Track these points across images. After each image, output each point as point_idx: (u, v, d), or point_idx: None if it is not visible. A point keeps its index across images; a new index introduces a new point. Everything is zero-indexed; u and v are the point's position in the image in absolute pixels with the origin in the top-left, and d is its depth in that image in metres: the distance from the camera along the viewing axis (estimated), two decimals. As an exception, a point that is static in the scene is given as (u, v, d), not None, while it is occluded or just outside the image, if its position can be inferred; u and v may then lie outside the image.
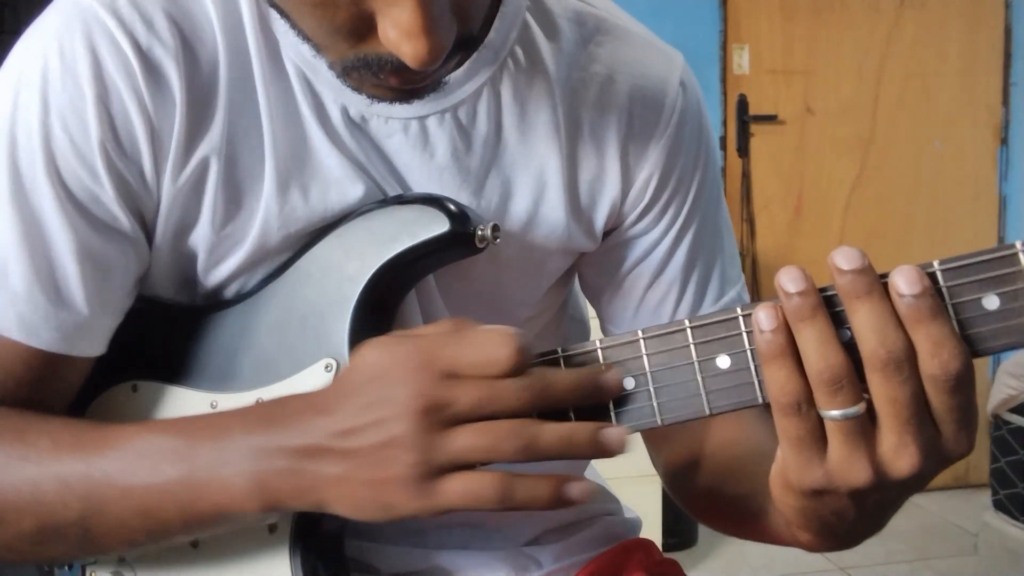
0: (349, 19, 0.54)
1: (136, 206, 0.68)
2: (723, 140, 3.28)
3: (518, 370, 0.55)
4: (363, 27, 0.54)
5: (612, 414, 0.58)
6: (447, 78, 0.62)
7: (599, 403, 0.57)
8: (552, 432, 0.54)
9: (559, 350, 0.59)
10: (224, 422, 0.61)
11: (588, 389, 0.56)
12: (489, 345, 0.55)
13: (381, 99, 0.62)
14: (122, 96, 0.65)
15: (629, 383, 0.57)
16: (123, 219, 0.67)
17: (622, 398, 0.57)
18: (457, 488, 0.54)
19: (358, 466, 0.56)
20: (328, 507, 0.58)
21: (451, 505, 0.55)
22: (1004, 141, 3.47)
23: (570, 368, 0.58)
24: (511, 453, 0.54)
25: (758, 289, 3.29)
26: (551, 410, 0.56)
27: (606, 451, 0.55)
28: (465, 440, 0.54)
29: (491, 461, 0.54)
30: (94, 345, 0.69)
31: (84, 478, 0.62)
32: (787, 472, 0.53)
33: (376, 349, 0.57)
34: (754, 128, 3.31)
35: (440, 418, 0.54)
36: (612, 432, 0.55)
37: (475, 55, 0.70)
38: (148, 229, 0.70)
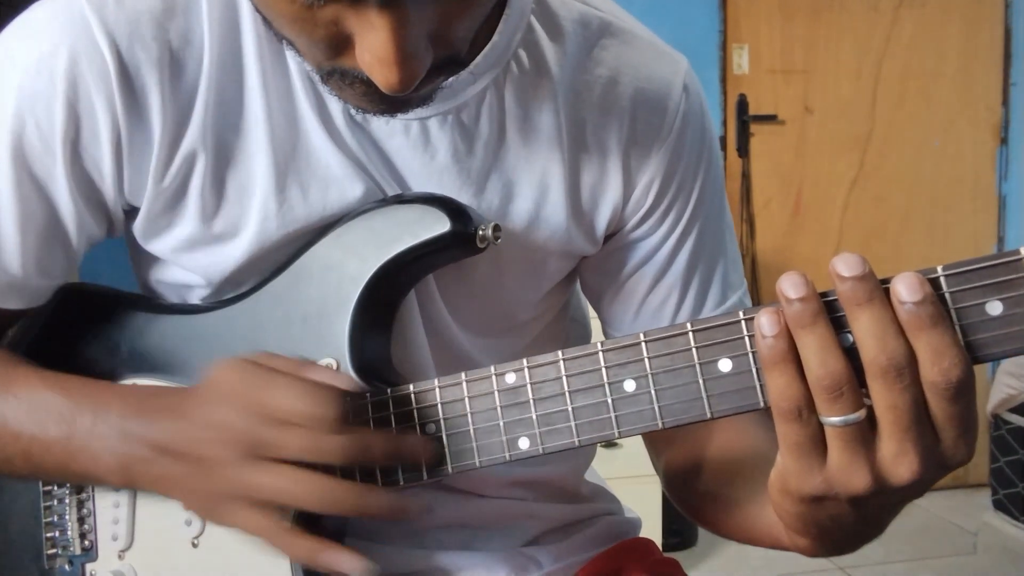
0: (328, 36, 0.55)
1: (95, 197, 0.71)
2: (723, 140, 3.28)
3: (338, 428, 0.59)
4: (341, 44, 0.55)
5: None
6: (434, 95, 0.62)
7: (412, 465, 0.63)
8: (346, 491, 0.60)
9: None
10: (106, 398, 0.68)
11: (402, 455, 0.62)
12: (320, 400, 0.59)
13: (364, 109, 0.62)
14: (91, 98, 0.66)
15: (631, 385, 0.57)
16: (72, 205, 0.70)
17: (624, 400, 0.57)
18: (239, 517, 0.62)
19: (190, 472, 0.63)
20: (173, 497, 0.65)
21: (236, 528, 0.62)
22: (1004, 141, 3.47)
23: (386, 433, 0.63)
24: (311, 504, 0.60)
25: (757, 288, 3.29)
26: (367, 468, 0.63)
27: (396, 516, 0.62)
28: (272, 481, 0.60)
29: (291, 506, 0.61)
30: (24, 300, 0.74)
31: None
32: (787, 477, 0.53)
33: (233, 371, 0.62)
34: (754, 128, 3.31)
35: (252, 453, 0.60)
36: (405, 501, 0.62)
37: (479, 58, 0.70)
38: (109, 216, 0.73)
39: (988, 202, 3.50)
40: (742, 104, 3.26)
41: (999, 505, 2.68)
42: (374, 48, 0.52)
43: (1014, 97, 3.46)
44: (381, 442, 0.61)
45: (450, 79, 0.68)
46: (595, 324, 0.90)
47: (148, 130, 0.68)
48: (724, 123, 3.27)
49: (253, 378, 0.61)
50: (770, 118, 3.32)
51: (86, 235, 0.73)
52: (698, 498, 0.77)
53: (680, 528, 2.82)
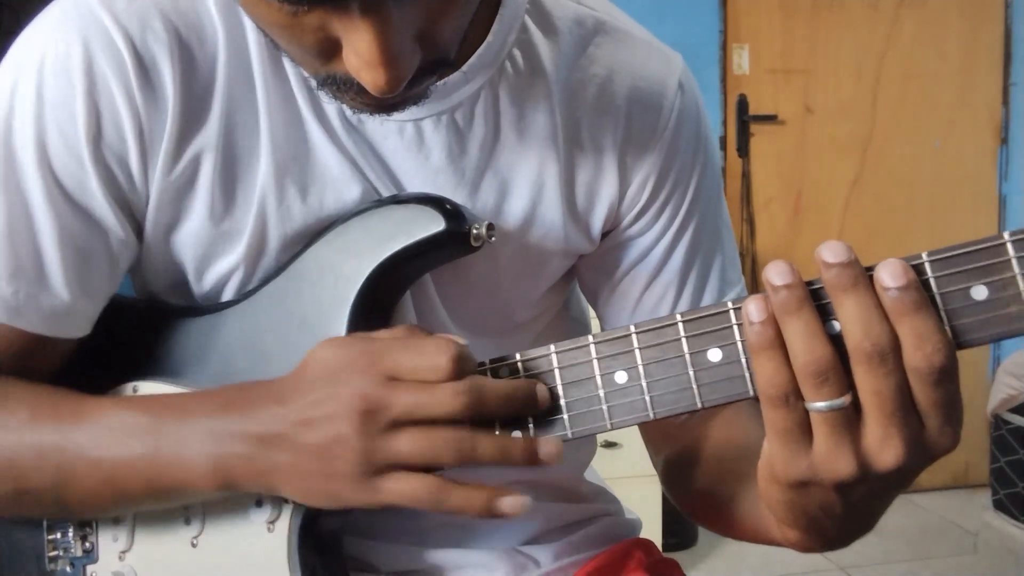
0: (316, 42, 0.55)
1: (123, 198, 0.69)
2: (723, 140, 3.28)
3: (455, 377, 0.58)
4: (330, 49, 0.55)
5: (531, 426, 0.60)
6: (427, 94, 0.62)
7: (529, 414, 0.60)
8: (489, 442, 0.58)
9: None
10: (189, 404, 0.65)
11: (519, 400, 0.60)
12: (428, 351, 0.58)
13: (360, 110, 0.62)
14: (111, 91, 0.66)
15: (622, 377, 0.57)
16: (108, 209, 0.68)
17: (615, 392, 0.58)
18: (394, 487, 0.58)
19: (307, 457, 0.59)
20: (279, 492, 0.62)
21: (389, 502, 0.59)
22: (1004, 141, 3.47)
23: (503, 379, 0.61)
24: (449, 460, 0.58)
25: (757, 289, 3.27)
26: (483, 417, 0.60)
27: (540, 462, 0.59)
28: (404, 444, 0.58)
29: (430, 465, 0.58)
30: (75, 328, 0.71)
31: (57, 449, 0.65)
32: (773, 464, 0.53)
33: (331, 348, 0.60)
34: (754, 128, 3.31)
35: (379, 419, 0.58)
36: (546, 445, 0.59)
37: (473, 58, 0.70)
38: (137, 221, 0.71)
39: (988, 202, 3.50)
40: (742, 104, 3.26)
41: (999, 505, 2.68)
42: (360, 51, 0.53)
43: (1014, 97, 3.47)
44: (502, 388, 0.59)
45: (443, 80, 0.69)
46: (594, 323, 0.91)
47: (163, 121, 0.68)
48: (724, 123, 3.27)
49: (358, 347, 0.60)
50: (770, 118, 3.32)
51: (126, 247, 0.71)
52: (694, 495, 0.78)
53: (680, 528, 2.82)
